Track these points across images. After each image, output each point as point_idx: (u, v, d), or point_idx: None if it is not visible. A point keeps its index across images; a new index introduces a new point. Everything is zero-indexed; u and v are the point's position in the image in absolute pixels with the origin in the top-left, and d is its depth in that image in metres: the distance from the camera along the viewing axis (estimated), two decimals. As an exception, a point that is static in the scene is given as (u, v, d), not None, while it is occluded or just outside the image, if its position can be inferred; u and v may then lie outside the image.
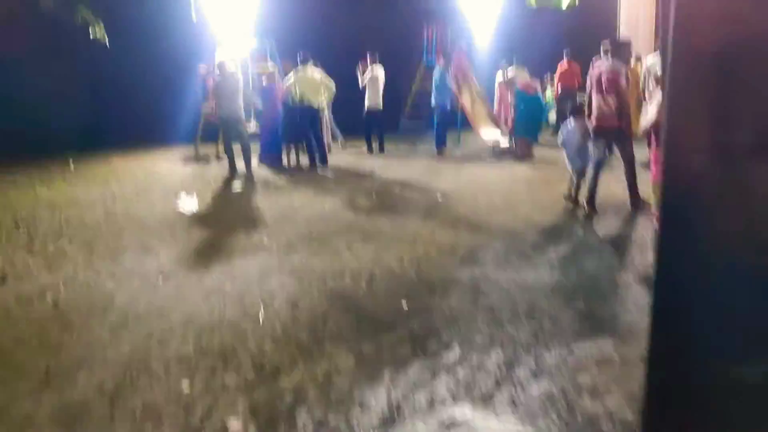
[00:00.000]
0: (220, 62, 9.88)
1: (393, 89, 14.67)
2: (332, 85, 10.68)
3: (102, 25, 12.18)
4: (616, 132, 6.55)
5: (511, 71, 13.74)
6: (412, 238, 6.04)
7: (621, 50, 6.68)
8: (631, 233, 6.12)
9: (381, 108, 11.78)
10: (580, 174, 6.94)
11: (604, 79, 6.49)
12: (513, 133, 11.55)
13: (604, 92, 6.47)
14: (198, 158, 11.87)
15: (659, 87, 5.74)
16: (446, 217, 6.91)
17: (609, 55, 6.61)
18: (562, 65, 14.25)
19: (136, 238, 6.23)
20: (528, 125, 11.53)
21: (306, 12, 14.67)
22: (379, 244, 5.83)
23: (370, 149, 12.06)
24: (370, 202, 7.87)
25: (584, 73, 14.14)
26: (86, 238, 6.29)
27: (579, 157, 6.85)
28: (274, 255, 5.54)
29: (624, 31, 16.83)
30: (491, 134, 12.91)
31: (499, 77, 14.24)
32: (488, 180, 9.14)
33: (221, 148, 10.87)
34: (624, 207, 6.90)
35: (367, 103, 11.82)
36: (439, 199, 7.87)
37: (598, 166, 6.72)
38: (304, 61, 10.53)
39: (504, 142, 12.21)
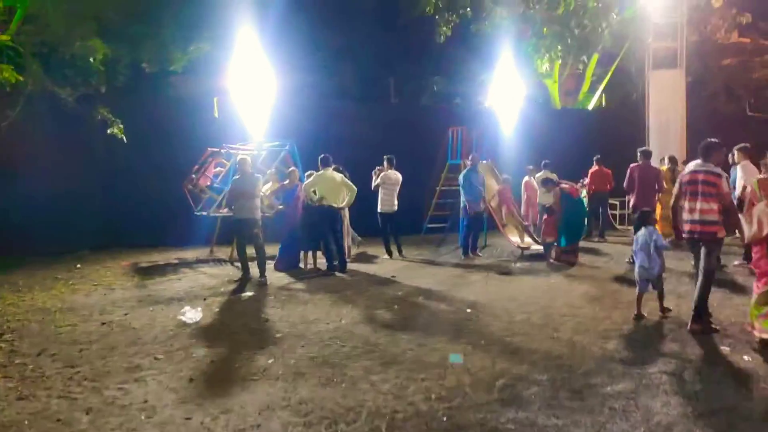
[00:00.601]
0: (241, 159, 9.44)
1: (417, 191, 14.22)
2: (354, 187, 10.20)
3: (121, 124, 12.06)
4: (709, 240, 6.00)
5: (540, 175, 13.23)
6: (440, 364, 5.23)
7: (712, 153, 6.12)
8: (710, 365, 5.24)
9: (395, 209, 11.21)
10: (645, 286, 6.68)
11: (701, 183, 6.01)
12: (556, 241, 10.78)
13: (700, 197, 5.98)
14: (212, 261, 11.29)
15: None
16: (478, 336, 6.09)
17: (703, 159, 6.15)
18: (593, 169, 13.73)
19: (127, 357, 5.49)
20: (574, 230, 10.84)
21: (328, 114, 14.53)
22: (402, 371, 5.02)
23: (389, 253, 11.40)
24: (391, 315, 7.10)
25: (615, 176, 13.77)
26: (71, 355, 5.57)
27: (650, 268, 6.57)
28: (280, 384, 4.75)
29: (654, 134, 16.45)
30: (520, 238, 12.21)
31: (525, 182, 13.75)
32: (522, 291, 8.33)
33: (236, 251, 10.29)
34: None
35: (380, 205, 11.29)
36: (468, 314, 7.07)
37: (710, 275, 6.07)
38: (325, 163, 10.11)
39: (534, 246, 11.48)
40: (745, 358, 5.25)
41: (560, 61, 19.20)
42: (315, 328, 6.46)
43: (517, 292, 8.21)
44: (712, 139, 6.18)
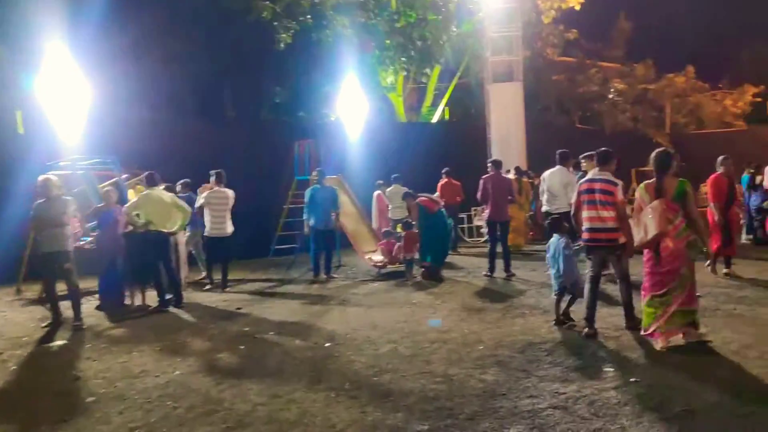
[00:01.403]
0: (42, 180, 7.75)
1: (263, 210, 13.13)
2: (187, 208, 8.89)
3: None
4: (611, 247, 6.12)
5: (390, 190, 12.73)
6: (299, 420, 4.26)
7: (610, 161, 6.22)
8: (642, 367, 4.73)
9: (228, 232, 9.90)
10: (563, 292, 6.55)
11: (598, 192, 6.08)
12: (420, 257, 10.22)
13: (599, 206, 6.07)
14: (18, 302, 9.41)
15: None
16: (341, 378, 5.20)
17: (600, 167, 6.22)
18: (443, 181, 13.49)
19: None
20: (439, 247, 10.33)
21: (156, 127, 13.00)
22: (252, 439, 3.98)
23: (211, 282, 10.05)
24: (237, 359, 5.99)
25: (465, 188, 13.67)
26: None
27: (567, 275, 6.43)
28: (84, 479, 3.51)
29: (496, 146, 16.68)
30: (375, 255, 11.53)
31: (376, 197, 13.18)
32: (385, 316, 7.57)
33: (43, 288, 8.58)
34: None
35: (208, 227, 9.90)
36: (328, 349, 6.16)
37: (594, 283, 6.22)
38: (151, 182, 8.74)
39: (389, 263, 10.87)
40: (633, 379, 4.84)
41: (404, 74, 19.06)
42: (140, 385, 5.21)
43: (379, 318, 7.43)
44: (607, 148, 6.25)
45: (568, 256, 6.40)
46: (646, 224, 5.50)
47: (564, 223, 6.78)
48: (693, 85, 24.84)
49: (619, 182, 6.08)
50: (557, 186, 9.59)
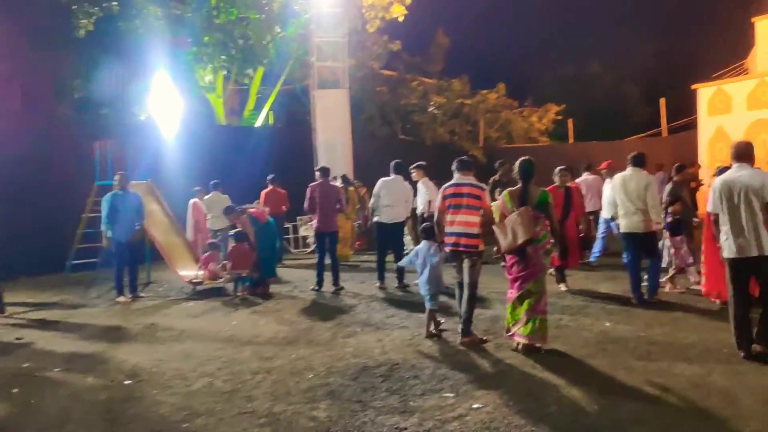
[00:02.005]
0: None
1: (57, 220, 11.40)
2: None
3: None
4: (470, 253, 6.05)
5: (208, 198, 11.66)
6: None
7: (470, 167, 6.36)
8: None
9: None
10: (432, 302, 6.31)
11: (466, 196, 6.09)
12: (255, 273, 9.32)
13: (464, 210, 6.05)
14: None
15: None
16: (142, 426, 4.27)
17: (462, 173, 6.27)
18: (267, 189, 12.69)
19: None
20: (267, 257, 9.51)
21: None
22: None
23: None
24: (7, 408, 4.78)
25: (291, 196, 13.01)
26: None
27: (434, 282, 6.26)
28: None
29: (322, 153, 16.21)
30: (189, 271, 10.40)
31: (192, 205, 11.98)
32: (199, 342, 6.63)
33: None
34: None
35: None
36: (128, 388, 5.15)
37: (462, 288, 6.13)
38: None
39: (209, 280, 9.84)
40: (475, 405, 4.49)
41: (224, 74, 17.91)
42: None
43: (192, 346, 6.48)
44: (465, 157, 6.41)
45: (435, 264, 6.24)
46: (514, 230, 5.57)
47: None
48: (504, 102, 26.40)
49: (487, 187, 6.21)
50: (395, 196, 9.31)
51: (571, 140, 24.85)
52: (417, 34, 25.46)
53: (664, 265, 8.18)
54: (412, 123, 23.76)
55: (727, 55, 22.61)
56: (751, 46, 20.44)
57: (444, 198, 6.18)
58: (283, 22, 17.41)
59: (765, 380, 4.78)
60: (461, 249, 6.03)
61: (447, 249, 6.14)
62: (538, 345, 5.62)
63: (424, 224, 6.74)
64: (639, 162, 7.58)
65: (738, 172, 5.29)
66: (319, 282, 9.39)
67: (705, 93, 20.02)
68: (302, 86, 19.78)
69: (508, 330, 5.82)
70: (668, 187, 8.34)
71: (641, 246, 7.53)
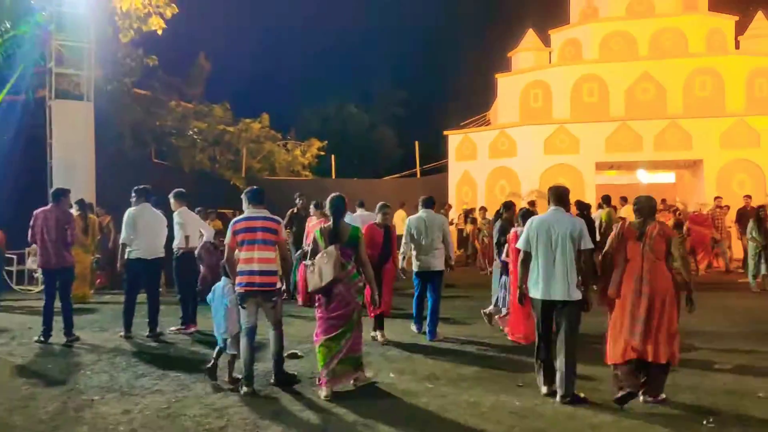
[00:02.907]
0: None
1: None
2: None
3: None
4: (269, 292, 5.63)
5: None
6: None
7: (263, 198, 5.88)
8: None
9: None
10: (234, 345, 5.68)
11: (260, 230, 5.65)
12: None
13: (259, 246, 5.60)
14: None
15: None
16: None
17: (254, 205, 5.78)
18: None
19: None
20: None
21: None
22: None
23: None
24: None
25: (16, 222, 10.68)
26: None
27: (232, 323, 5.66)
28: None
29: (59, 173, 13.88)
30: None
31: None
32: None
33: None
34: None
35: None
36: None
37: (252, 334, 5.63)
38: None
39: None
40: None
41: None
42: None
43: None
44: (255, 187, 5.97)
45: (231, 305, 5.65)
46: (321, 269, 5.36)
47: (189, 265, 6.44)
48: (267, 133, 25.84)
49: (282, 220, 5.89)
50: (151, 227, 8.04)
51: (333, 176, 25.10)
52: (177, 54, 23.88)
53: (500, 304, 8.10)
54: (169, 147, 21.95)
55: (474, 105, 24.87)
56: (494, 100, 22.64)
57: (234, 234, 5.66)
58: (14, 18, 14.75)
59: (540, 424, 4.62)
60: (256, 288, 5.56)
61: (239, 290, 5.58)
62: (352, 383, 5.53)
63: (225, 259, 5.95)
64: (430, 203, 7.94)
65: (556, 216, 5.32)
66: (46, 331, 7.60)
67: (454, 139, 21.63)
68: (37, 96, 16.97)
69: (322, 375, 5.46)
70: (498, 224, 8.39)
71: (430, 283, 7.75)
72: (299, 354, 6.67)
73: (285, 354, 6.00)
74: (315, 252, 5.55)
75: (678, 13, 20.63)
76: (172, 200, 8.35)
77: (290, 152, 26.84)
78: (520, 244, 5.50)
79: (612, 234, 5.44)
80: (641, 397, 5.13)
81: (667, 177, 21.32)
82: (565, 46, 21.96)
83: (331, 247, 5.42)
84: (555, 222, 5.29)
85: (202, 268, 8.93)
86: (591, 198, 17.89)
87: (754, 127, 17.87)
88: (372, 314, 7.42)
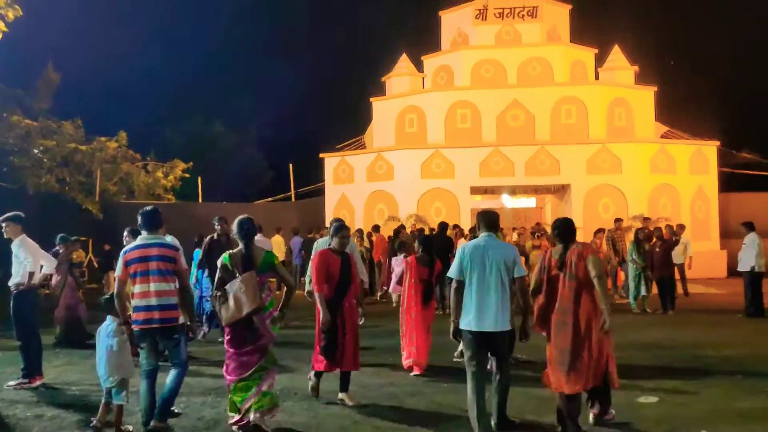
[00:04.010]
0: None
1: None
2: None
3: None
4: (171, 328, 5.07)
5: None
6: None
7: (161, 222, 5.36)
8: None
9: None
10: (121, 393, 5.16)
11: (156, 259, 5.11)
12: None
13: (156, 277, 5.07)
14: None
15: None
16: None
17: (150, 231, 5.22)
18: None
19: None
20: None
21: None
22: None
23: None
24: None
25: None
26: None
27: (116, 369, 5.14)
28: None
29: None
30: None
31: None
32: None
33: None
34: None
35: None
36: None
37: (152, 377, 5.09)
38: None
39: None
40: None
41: None
42: None
43: None
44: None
45: (120, 345, 5.15)
46: (238, 298, 4.93)
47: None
48: (125, 153, 23.79)
49: (181, 247, 5.45)
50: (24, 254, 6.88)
51: (200, 199, 23.52)
52: (21, 63, 21.42)
53: None
54: (10, 166, 19.46)
55: (350, 128, 24.43)
56: (369, 123, 22.35)
57: (126, 265, 5.10)
58: None
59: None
60: (156, 326, 4.99)
61: (136, 328, 5.02)
62: (271, 416, 5.11)
63: (104, 298, 5.52)
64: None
65: (489, 242, 5.09)
66: None
67: (331, 162, 21.03)
68: None
69: (233, 418, 5.10)
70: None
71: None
72: (175, 411, 5.59)
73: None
74: (224, 281, 5.06)
75: (543, 44, 21.56)
76: (6, 226, 6.92)
77: (151, 174, 24.91)
78: (452, 273, 5.11)
79: (536, 267, 5.34)
80: (590, 414, 5.17)
81: (529, 202, 22.03)
82: (438, 72, 22.23)
83: (248, 274, 5.02)
84: (489, 248, 5.04)
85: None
86: (466, 222, 18.01)
87: (616, 154, 18.85)
88: (325, 366, 6.00)
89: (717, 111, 24.70)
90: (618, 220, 14.57)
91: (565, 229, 5.14)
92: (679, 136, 20.98)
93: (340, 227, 6.19)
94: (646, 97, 20.61)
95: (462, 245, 5.32)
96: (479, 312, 4.93)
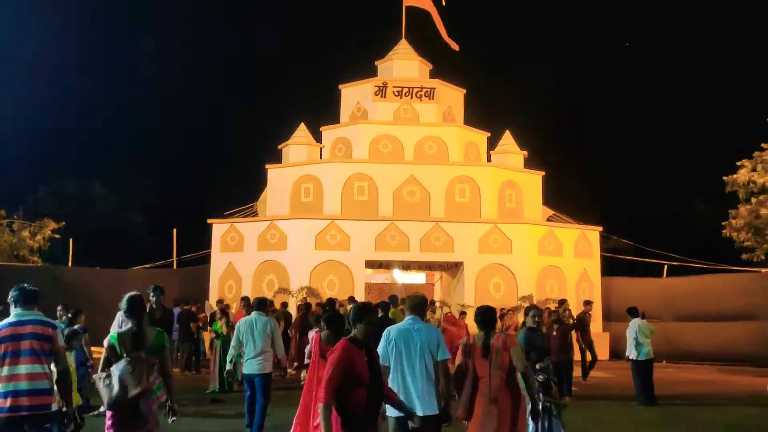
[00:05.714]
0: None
1: None
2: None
3: None
4: (42, 417, 4.68)
5: None
6: None
7: (35, 298, 4.97)
8: None
9: None
10: None
11: (29, 338, 4.72)
12: None
13: (27, 357, 4.66)
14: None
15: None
16: None
17: (24, 307, 4.85)
18: None
19: None
20: None
21: None
22: None
23: None
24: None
25: None
26: None
27: None
28: None
29: None
30: None
31: None
32: None
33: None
34: None
35: None
36: None
37: None
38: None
39: None
40: None
41: None
42: None
43: None
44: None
45: None
46: (124, 380, 4.64)
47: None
48: (-12, 210, 21.62)
49: (61, 325, 5.32)
50: None
51: (70, 263, 21.49)
52: None
53: None
54: None
55: (241, 195, 23.55)
56: (262, 190, 21.65)
57: None
58: None
59: None
60: (24, 414, 4.62)
61: (1, 416, 4.65)
62: None
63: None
64: (262, 306, 8.19)
65: (415, 325, 5.03)
66: None
67: (219, 229, 20.01)
68: None
69: None
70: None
71: (258, 387, 7.64)
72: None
73: None
74: (109, 361, 4.77)
75: (439, 124, 22.14)
76: None
77: (16, 234, 22.62)
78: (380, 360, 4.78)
79: (459, 351, 5.32)
80: None
81: (419, 277, 21.96)
82: (337, 143, 22.14)
83: (136, 354, 4.78)
84: (415, 332, 4.96)
85: None
86: (360, 296, 17.50)
87: (507, 234, 19.26)
88: None
89: (596, 198, 26.27)
90: (563, 301, 14.48)
91: (488, 316, 5.32)
92: (563, 219, 21.90)
93: (367, 308, 4.54)
94: (534, 180, 21.49)
95: (387, 329, 5.07)
96: (406, 397, 4.80)
